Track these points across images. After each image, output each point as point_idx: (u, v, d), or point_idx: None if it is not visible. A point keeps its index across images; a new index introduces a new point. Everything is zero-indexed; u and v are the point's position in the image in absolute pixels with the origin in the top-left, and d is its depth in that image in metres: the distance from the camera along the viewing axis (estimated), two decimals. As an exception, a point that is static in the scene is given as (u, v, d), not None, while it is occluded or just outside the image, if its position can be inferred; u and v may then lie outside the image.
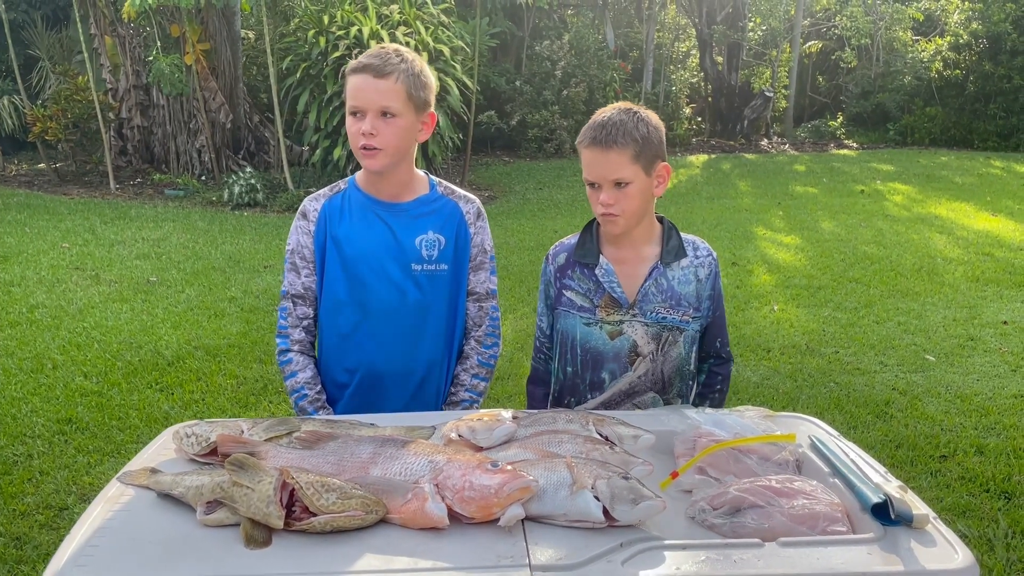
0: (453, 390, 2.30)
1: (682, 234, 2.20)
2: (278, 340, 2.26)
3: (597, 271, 2.14)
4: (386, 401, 2.21)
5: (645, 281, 2.12)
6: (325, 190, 2.26)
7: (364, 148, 2.06)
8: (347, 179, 2.27)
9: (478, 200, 2.31)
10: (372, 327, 2.19)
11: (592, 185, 2.08)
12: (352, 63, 2.09)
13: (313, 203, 2.23)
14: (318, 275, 2.22)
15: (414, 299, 2.18)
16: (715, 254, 2.23)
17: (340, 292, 2.19)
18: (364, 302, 2.18)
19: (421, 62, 2.12)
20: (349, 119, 2.08)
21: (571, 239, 2.24)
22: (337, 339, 2.23)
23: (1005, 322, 5.93)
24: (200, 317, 5.99)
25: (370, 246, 2.17)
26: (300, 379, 2.22)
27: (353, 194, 2.22)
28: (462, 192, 2.29)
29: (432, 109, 2.16)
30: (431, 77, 2.14)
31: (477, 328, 2.30)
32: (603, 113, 2.07)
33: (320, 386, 2.25)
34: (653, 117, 2.09)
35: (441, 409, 2.28)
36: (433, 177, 2.28)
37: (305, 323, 2.24)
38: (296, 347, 2.23)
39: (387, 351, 2.20)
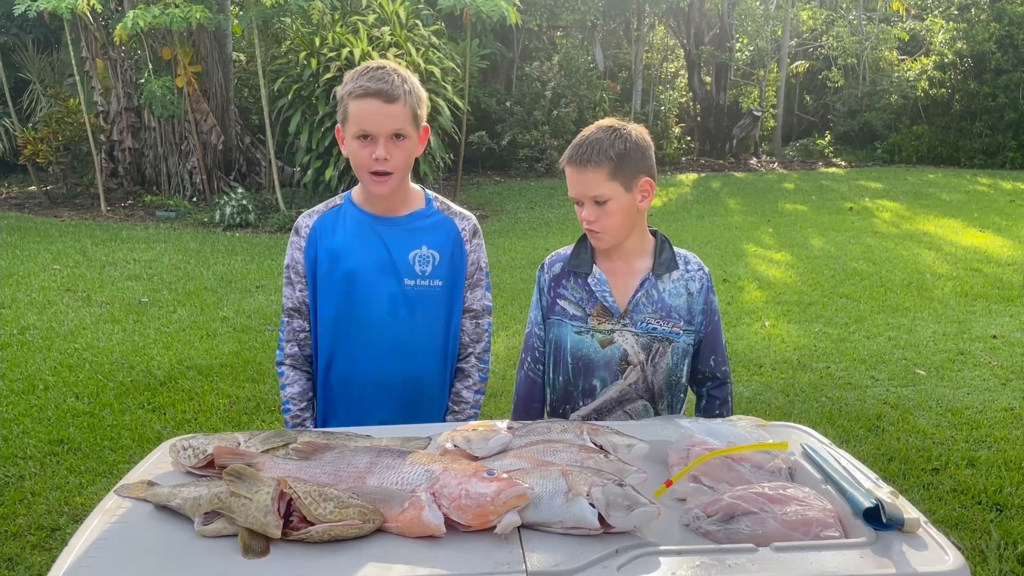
0: (457, 408, 2.31)
1: (675, 248, 2.23)
2: (277, 351, 2.31)
3: (590, 280, 2.17)
4: (381, 415, 2.21)
5: (636, 292, 2.15)
6: (320, 206, 2.28)
7: (375, 173, 2.08)
8: (343, 195, 2.29)
9: (474, 217, 2.32)
10: (366, 341, 2.20)
11: (576, 202, 2.12)
12: (354, 86, 2.05)
13: (306, 219, 2.25)
14: (310, 289, 2.23)
15: (407, 314, 2.19)
16: (707, 269, 2.25)
17: (334, 306, 2.20)
18: (357, 316, 2.19)
19: (413, 78, 2.14)
20: (355, 143, 2.08)
21: (566, 250, 2.27)
22: (331, 352, 2.24)
23: (994, 336, 5.97)
24: (192, 337, 5.98)
25: (364, 260, 2.18)
26: (287, 393, 2.26)
27: (348, 209, 2.24)
28: (458, 208, 2.30)
29: (424, 123, 2.18)
30: (423, 91, 2.17)
31: (476, 344, 2.32)
32: (585, 132, 2.12)
33: (306, 403, 2.26)
34: (636, 132, 2.10)
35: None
36: (429, 192, 2.29)
37: (300, 336, 2.27)
38: (288, 361, 2.27)
39: (380, 365, 2.21)
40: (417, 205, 2.25)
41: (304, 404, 2.26)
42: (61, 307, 6.70)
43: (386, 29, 10.97)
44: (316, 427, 2.27)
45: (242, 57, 13.78)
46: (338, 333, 2.21)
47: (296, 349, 2.27)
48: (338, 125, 2.16)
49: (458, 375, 2.33)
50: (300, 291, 2.25)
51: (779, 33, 17.60)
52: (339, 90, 2.13)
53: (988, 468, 3.97)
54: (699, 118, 18.36)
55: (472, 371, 2.32)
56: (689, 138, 18.55)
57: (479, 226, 2.32)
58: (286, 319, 2.27)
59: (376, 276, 2.17)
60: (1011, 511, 3.56)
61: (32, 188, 12.41)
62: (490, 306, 2.33)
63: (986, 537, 3.35)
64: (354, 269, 2.18)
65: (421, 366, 2.24)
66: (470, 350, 2.32)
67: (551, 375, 2.27)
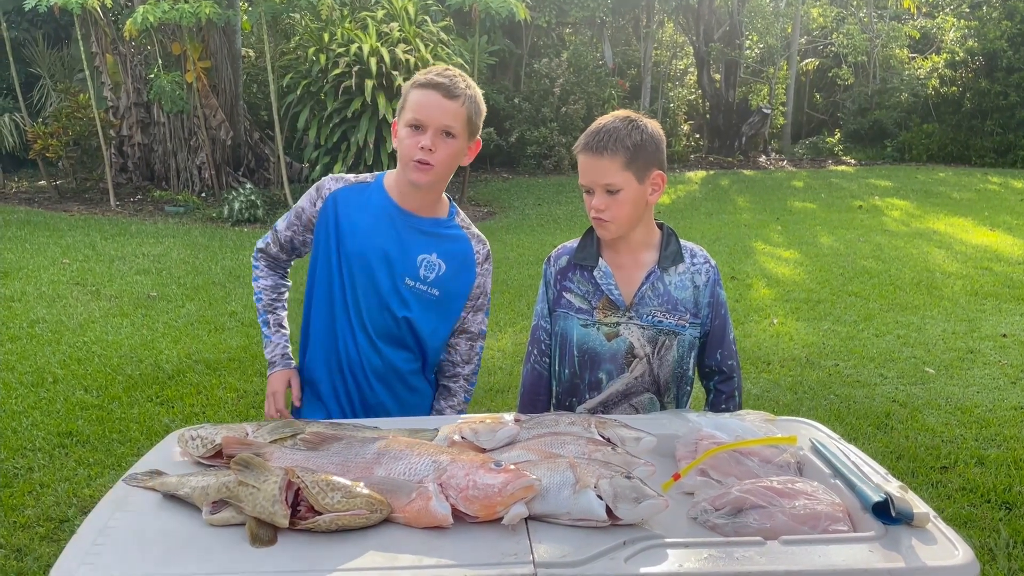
0: None
1: (682, 241, 2.22)
2: (252, 257, 2.39)
3: (595, 273, 2.17)
4: (368, 397, 2.26)
5: (642, 285, 2.14)
6: (351, 176, 2.29)
7: (419, 162, 2.10)
8: (376, 175, 2.29)
9: (488, 244, 2.35)
10: (356, 323, 2.22)
11: (587, 190, 2.11)
12: (420, 78, 2.13)
13: (332, 183, 2.27)
14: (312, 256, 2.28)
15: (398, 313, 2.21)
16: (714, 262, 2.24)
17: (330, 281, 2.23)
18: (353, 297, 2.21)
19: (478, 90, 2.19)
20: (406, 130, 2.12)
21: (572, 243, 2.27)
22: (322, 331, 2.27)
23: (1004, 335, 5.94)
24: (200, 331, 5.99)
25: (373, 246, 2.19)
26: (260, 285, 2.36)
27: (377, 191, 2.24)
28: (476, 231, 2.33)
29: (479, 136, 2.22)
30: (484, 105, 2.21)
31: (466, 365, 2.35)
32: (601, 120, 2.11)
33: (278, 294, 2.37)
34: (651, 125, 2.11)
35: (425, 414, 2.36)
36: (455, 205, 2.32)
37: (276, 259, 2.36)
38: (263, 262, 2.37)
39: (366, 349, 2.23)
40: (441, 214, 2.27)
41: (275, 296, 2.36)
42: (70, 301, 6.72)
43: (395, 25, 10.97)
44: (289, 404, 2.35)
45: (251, 53, 13.80)
46: (331, 309, 2.24)
47: (269, 260, 2.37)
48: (395, 119, 2.20)
49: (443, 392, 2.36)
50: (294, 232, 2.30)
51: (789, 30, 17.53)
52: (404, 85, 2.19)
53: (997, 467, 3.95)
54: (708, 115, 18.29)
55: (458, 391, 2.36)
56: (698, 135, 18.50)
57: (491, 253, 2.34)
58: (271, 239, 2.35)
59: (380, 265, 2.19)
60: (1020, 510, 3.55)
61: (42, 183, 12.45)
62: (485, 331, 2.37)
63: (995, 536, 3.34)
64: (362, 252, 2.19)
65: (403, 361, 2.26)
66: (459, 370, 2.35)
67: (557, 368, 2.27)
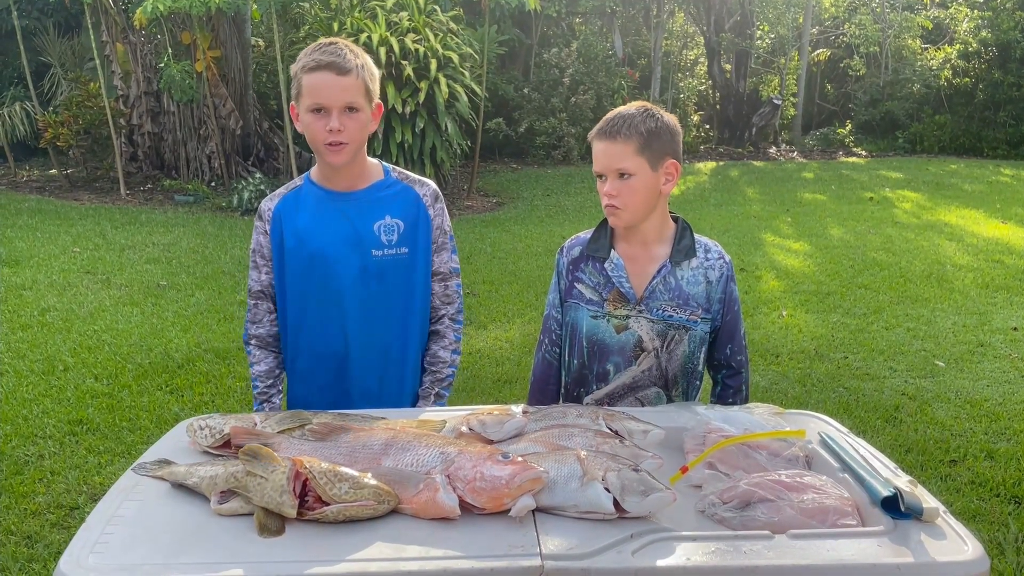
0: (435, 368, 2.34)
1: (697, 236, 2.21)
2: (244, 331, 2.36)
3: (607, 265, 2.16)
4: (357, 386, 2.26)
5: (653, 279, 2.14)
6: (281, 189, 2.31)
7: (330, 144, 2.10)
8: (303, 176, 2.31)
9: (433, 183, 2.35)
10: (338, 315, 2.23)
11: (600, 177, 2.11)
12: (308, 61, 2.10)
13: (268, 203, 2.28)
14: (277, 271, 2.27)
15: (377, 285, 2.22)
16: (728, 258, 2.22)
17: (304, 285, 2.24)
18: (328, 292, 2.22)
19: (365, 54, 2.18)
20: (309, 116, 2.11)
21: (585, 234, 2.27)
22: (304, 331, 2.27)
23: (1015, 328, 5.91)
24: (210, 320, 6.01)
25: (329, 237, 2.21)
26: (255, 371, 2.32)
27: (308, 189, 2.26)
28: (416, 176, 2.33)
29: (378, 99, 2.21)
30: (376, 68, 2.20)
31: (447, 306, 2.36)
32: (618, 109, 2.11)
33: (272, 380, 2.32)
34: (667, 116, 2.10)
35: (419, 387, 2.36)
36: (386, 164, 2.32)
37: (266, 318, 2.32)
38: (254, 341, 2.33)
39: (355, 338, 2.24)
40: (376, 177, 2.27)
41: (271, 382, 2.32)
42: (81, 289, 6.75)
43: (404, 15, 10.94)
44: (285, 403, 2.35)
45: (261, 42, 13.78)
46: (309, 309, 2.25)
47: (262, 331, 2.32)
48: (292, 103, 2.19)
49: (432, 337, 2.37)
50: (266, 275, 2.29)
51: (800, 20, 17.42)
52: (292, 67, 2.16)
53: (1007, 461, 3.94)
54: (718, 106, 18.22)
55: (447, 331, 2.36)
56: (708, 126, 18.42)
57: (439, 191, 2.34)
58: (253, 302, 2.32)
59: (343, 251, 2.20)
60: (1030, 504, 3.54)
61: (53, 171, 12.49)
62: (457, 268, 2.37)
63: (1004, 530, 3.32)
64: (321, 247, 2.21)
65: (396, 334, 2.27)
66: (442, 312, 2.36)
67: (566, 358, 2.27)
